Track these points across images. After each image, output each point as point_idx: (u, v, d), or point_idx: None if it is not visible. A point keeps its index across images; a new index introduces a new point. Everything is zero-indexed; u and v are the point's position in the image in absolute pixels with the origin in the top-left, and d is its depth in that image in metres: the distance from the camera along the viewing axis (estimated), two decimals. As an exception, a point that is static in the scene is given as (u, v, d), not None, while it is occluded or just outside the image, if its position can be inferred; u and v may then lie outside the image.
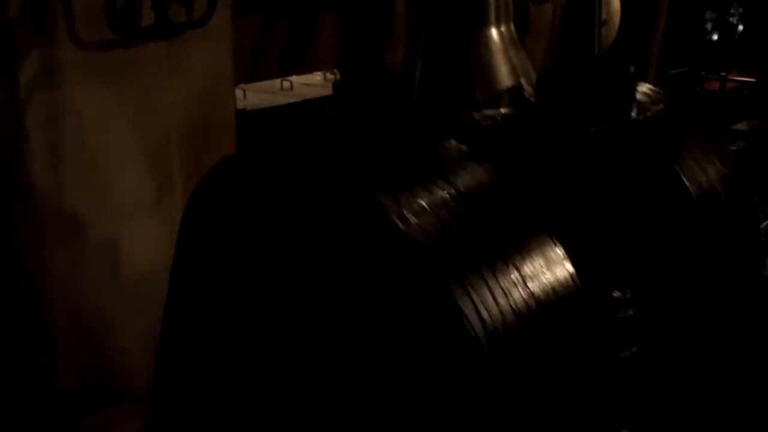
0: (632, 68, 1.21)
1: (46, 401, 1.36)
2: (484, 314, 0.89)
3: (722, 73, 3.71)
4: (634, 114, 1.20)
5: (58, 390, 1.38)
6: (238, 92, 2.46)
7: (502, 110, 1.16)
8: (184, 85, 2.03)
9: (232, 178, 1.13)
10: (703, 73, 3.79)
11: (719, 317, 1.25)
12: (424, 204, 0.95)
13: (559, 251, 0.98)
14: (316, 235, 1.02)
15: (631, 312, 1.13)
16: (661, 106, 1.25)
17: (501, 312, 0.90)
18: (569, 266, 0.98)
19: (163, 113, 1.97)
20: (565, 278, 0.97)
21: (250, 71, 2.56)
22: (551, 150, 1.15)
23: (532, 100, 1.19)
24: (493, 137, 1.13)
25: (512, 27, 1.22)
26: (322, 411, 1.05)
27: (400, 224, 0.91)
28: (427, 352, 0.92)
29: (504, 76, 1.19)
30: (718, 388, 1.24)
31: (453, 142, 1.08)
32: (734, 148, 3.04)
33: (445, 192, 0.98)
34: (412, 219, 0.92)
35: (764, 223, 1.91)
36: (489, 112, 1.15)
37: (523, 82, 1.20)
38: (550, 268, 0.96)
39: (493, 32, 1.19)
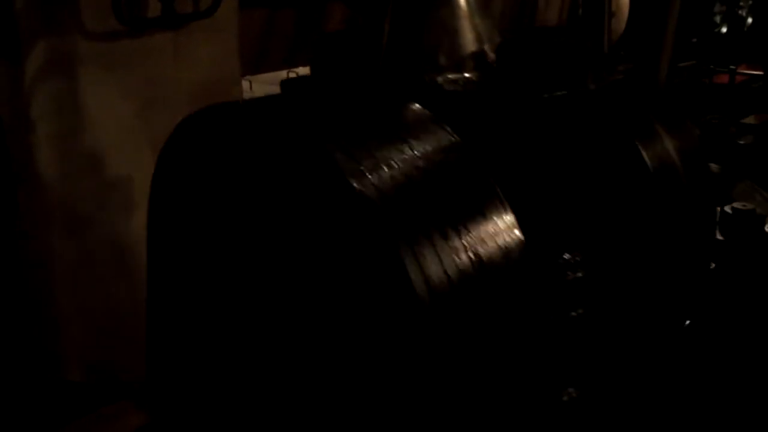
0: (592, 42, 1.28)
1: (52, 393, 1.37)
2: (430, 273, 0.91)
3: (731, 67, 3.69)
4: (592, 85, 1.23)
5: (64, 382, 1.39)
6: (245, 83, 2.45)
7: (466, 75, 1.19)
8: (190, 76, 2.02)
9: (195, 136, 1.16)
10: (711, 66, 3.76)
11: (668, 283, 1.28)
12: (380, 163, 0.96)
13: (509, 218, 1.01)
14: (276, 193, 1.04)
15: (579, 274, 1.16)
16: (618, 76, 1.28)
17: (446, 273, 0.93)
18: (518, 233, 1.01)
19: (169, 104, 1.97)
20: (514, 244, 1.00)
21: (257, 62, 2.55)
22: (508, 114, 1.17)
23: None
24: (455, 101, 1.15)
25: None
26: (281, 362, 1.08)
27: (353, 181, 0.93)
28: (373, 308, 0.94)
29: (468, 42, 1.21)
30: (666, 350, 1.27)
31: (415, 106, 1.09)
32: (743, 142, 3.02)
33: (403, 153, 0.99)
34: (366, 176, 0.94)
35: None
36: (452, 76, 1.18)
37: (487, 48, 1.23)
38: (498, 234, 0.99)
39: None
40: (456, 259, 0.94)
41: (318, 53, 1.37)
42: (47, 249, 1.86)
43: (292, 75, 2.67)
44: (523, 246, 1.00)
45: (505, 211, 1.01)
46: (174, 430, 1.25)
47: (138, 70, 1.92)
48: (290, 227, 1.03)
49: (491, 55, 1.23)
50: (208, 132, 1.14)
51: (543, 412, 1.07)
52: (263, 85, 2.66)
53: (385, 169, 0.96)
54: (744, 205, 2.25)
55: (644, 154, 1.25)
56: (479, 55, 1.21)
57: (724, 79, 3.73)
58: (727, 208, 2.27)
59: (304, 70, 2.74)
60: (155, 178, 1.24)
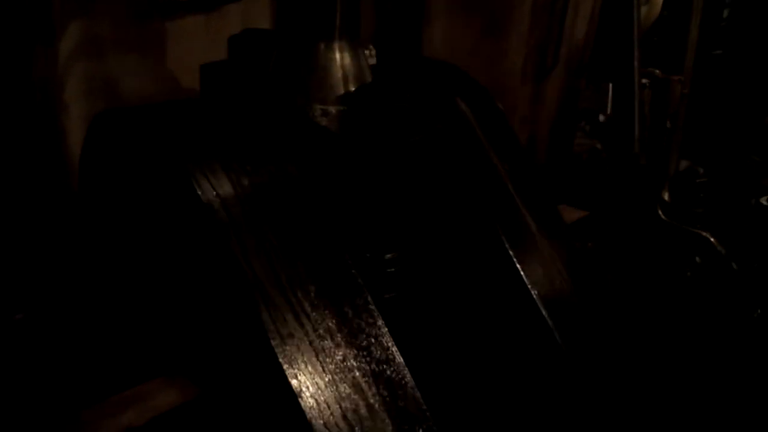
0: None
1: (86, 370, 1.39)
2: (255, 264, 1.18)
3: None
4: (415, 137, 1.58)
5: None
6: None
7: (331, 108, 1.53)
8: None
9: (99, 131, 1.47)
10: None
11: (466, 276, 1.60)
12: (227, 177, 1.25)
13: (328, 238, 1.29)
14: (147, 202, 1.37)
15: (394, 269, 1.53)
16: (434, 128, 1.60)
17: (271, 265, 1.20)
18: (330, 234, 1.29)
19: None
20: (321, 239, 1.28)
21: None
22: (349, 147, 1.52)
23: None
24: (317, 128, 1.52)
25: (355, 41, 1.58)
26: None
27: (199, 190, 1.21)
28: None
29: (336, 81, 1.55)
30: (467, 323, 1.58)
31: (277, 131, 1.40)
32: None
33: (250, 170, 1.28)
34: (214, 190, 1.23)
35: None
36: (319, 107, 1.53)
37: (352, 87, 1.57)
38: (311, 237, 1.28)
39: (335, 45, 1.55)
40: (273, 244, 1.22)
41: (235, 46, 1.67)
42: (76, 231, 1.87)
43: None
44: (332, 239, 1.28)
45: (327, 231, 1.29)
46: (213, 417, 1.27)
47: (170, 53, 1.91)
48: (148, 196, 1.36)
49: (359, 94, 1.56)
50: (106, 134, 1.45)
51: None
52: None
53: (233, 183, 1.25)
54: (778, 196, 2.19)
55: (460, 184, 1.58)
56: (344, 95, 1.55)
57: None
58: (764, 200, 2.22)
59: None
60: (80, 159, 1.55)
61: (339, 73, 1.55)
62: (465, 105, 1.66)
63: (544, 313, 1.47)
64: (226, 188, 1.23)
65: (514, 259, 1.51)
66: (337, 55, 1.55)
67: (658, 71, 2.59)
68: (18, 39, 1.69)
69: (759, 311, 1.71)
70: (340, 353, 1.17)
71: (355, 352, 1.19)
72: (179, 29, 1.92)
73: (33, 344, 1.53)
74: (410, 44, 2.54)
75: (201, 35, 1.96)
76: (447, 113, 1.64)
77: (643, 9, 2.99)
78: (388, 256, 1.52)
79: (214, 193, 1.22)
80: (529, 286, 1.49)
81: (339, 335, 1.19)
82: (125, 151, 1.41)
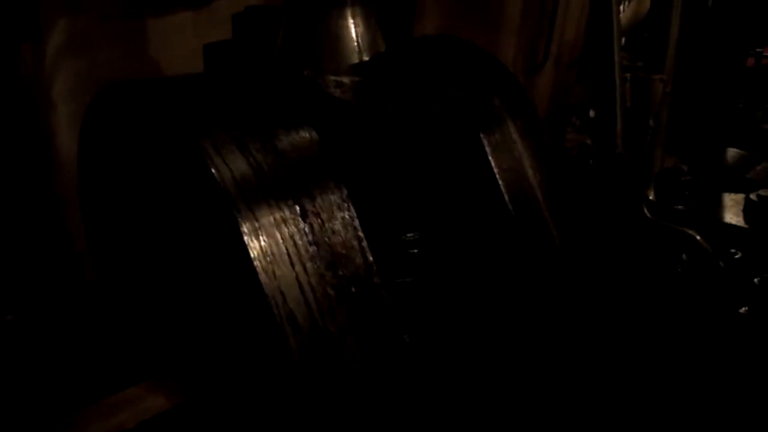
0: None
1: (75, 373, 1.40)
2: (264, 244, 1.11)
3: (758, 49, 3.61)
4: (435, 105, 1.45)
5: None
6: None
7: (344, 79, 1.41)
8: (211, 57, 2.00)
9: (103, 107, 1.39)
10: (738, 49, 3.68)
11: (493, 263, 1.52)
12: (236, 149, 1.17)
13: (349, 208, 1.21)
14: (153, 174, 1.27)
15: (415, 250, 1.43)
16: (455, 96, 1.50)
17: (283, 242, 1.13)
18: (351, 210, 1.21)
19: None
20: (346, 220, 1.21)
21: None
22: (367, 119, 1.40)
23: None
24: (330, 101, 1.39)
25: (369, 8, 1.47)
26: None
27: (211, 166, 1.13)
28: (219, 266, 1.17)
29: (350, 51, 1.44)
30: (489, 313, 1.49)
31: (287, 105, 1.29)
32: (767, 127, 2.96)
33: (258, 143, 1.19)
34: (223, 161, 1.14)
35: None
36: (332, 78, 1.41)
37: (366, 57, 1.46)
38: (333, 212, 1.20)
39: (348, 11, 1.43)
40: (295, 228, 1.15)
41: (239, 24, 1.59)
42: (64, 230, 1.87)
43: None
44: (356, 222, 1.21)
45: (345, 198, 1.21)
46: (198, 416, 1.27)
47: (158, 49, 1.90)
48: (163, 197, 1.28)
49: (373, 64, 1.45)
50: (109, 109, 1.36)
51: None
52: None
53: (242, 156, 1.17)
54: (770, 192, 2.21)
55: (492, 161, 1.50)
56: (358, 64, 1.44)
57: (751, 62, 3.65)
58: (753, 196, 2.23)
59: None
60: (80, 135, 1.48)
61: (353, 42, 1.44)
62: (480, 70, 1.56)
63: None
64: (239, 164, 1.15)
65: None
66: (350, 22, 1.44)
67: (640, 63, 2.60)
68: (4, 37, 1.67)
69: (745, 309, 1.73)
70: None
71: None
72: (168, 25, 1.91)
73: (24, 346, 1.53)
74: (402, 36, 2.53)
75: (189, 31, 1.94)
76: (464, 82, 1.53)
77: (633, 4, 3.00)
78: (410, 235, 1.42)
79: (228, 169, 1.14)
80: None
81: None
82: (133, 126, 1.31)
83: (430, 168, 1.48)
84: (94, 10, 1.79)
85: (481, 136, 1.51)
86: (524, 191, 1.53)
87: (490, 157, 1.50)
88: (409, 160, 1.45)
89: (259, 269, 1.09)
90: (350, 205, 1.21)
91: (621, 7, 2.49)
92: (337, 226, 1.19)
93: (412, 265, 1.43)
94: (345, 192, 1.21)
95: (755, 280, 1.78)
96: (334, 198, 1.20)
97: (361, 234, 1.20)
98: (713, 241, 1.92)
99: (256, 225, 1.11)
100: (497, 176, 1.49)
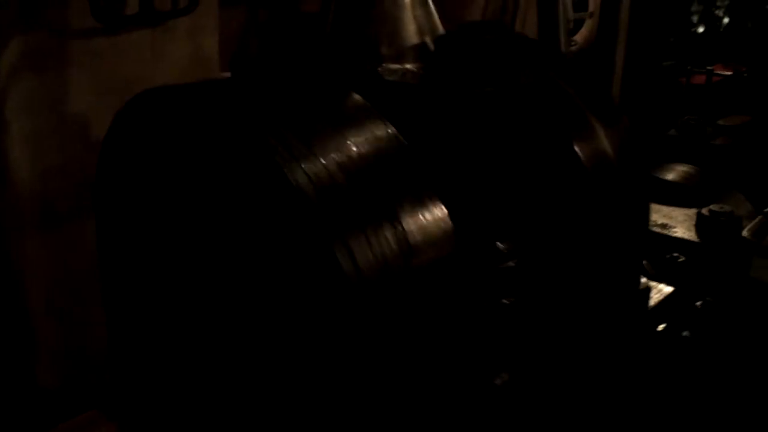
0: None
1: (24, 401, 1.34)
2: (360, 262, 0.94)
3: (708, 67, 3.72)
4: (523, 79, 1.27)
5: (37, 389, 1.36)
6: (224, 81, 2.42)
7: (406, 65, 1.22)
8: (169, 75, 1.99)
9: (136, 121, 1.18)
10: (689, 67, 3.79)
11: (598, 275, 1.32)
12: (316, 154, 0.99)
13: (440, 210, 1.04)
14: (215, 182, 1.06)
15: (511, 263, 1.20)
16: (549, 72, 1.32)
17: (378, 261, 0.96)
18: (449, 222, 1.04)
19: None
20: (444, 234, 1.04)
21: (239, 59, 2.52)
22: (445, 107, 1.21)
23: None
24: (394, 91, 1.18)
25: None
26: (231, 354, 1.11)
27: (289, 172, 0.95)
28: (305, 296, 0.97)
29: (409, 33, 1.25)
30: (593, 339, 1.32)
31: (355, 96, 1.11)
32: (719, 142, 3.05)
33: (340, 144, 1.02)
34: (302, 167, 0.97)
35: (754, 221, 1.94)
36: (393, 66, 1.21)
37: (428, 39, 1.26)
38: (429, 224, 1.03)
39: None
40: (386, 246, 0.97)
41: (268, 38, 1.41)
42: (21, 250, 1.83)
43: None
44: (453, 236, 1.04)
45: (436, 202, 1.04)
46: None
47: (115, 68, 1.88)
48: (229, 216, 1.04)
49: (432, 47, 1.26)
50: (149, 117, 1.14)
51: (475, 396, 1.10)
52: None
53: (322, 160, 0.98)
54: (721, 207, 2.27)
55: (577, 147, 1.28)
56: (420, 47, 1.24)
57: (702, 79, 3.76)
58: (704, 211, 2.29)
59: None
60: (99, 166, 1.26)
61: (412, 25, 1.26)
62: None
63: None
64: (314, 166, 0.97)
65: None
66: (408, 2, 1.25)
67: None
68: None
69: (687, 332, 1.73)
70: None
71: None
72: (125, 44, 1.89)
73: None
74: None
75: (147, 50, 1.93)
76: (531, 66, 1.35)
77: (588, 23, 3.07)
78: (501, 246, 1.22)
79: (304, 173, 0.96)
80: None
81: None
82: (187, 131, 1.10)
83: (518, 160, 1.29)
84: (48, 27, 1.77)
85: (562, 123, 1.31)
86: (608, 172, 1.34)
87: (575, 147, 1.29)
88: (500, 151, 1.26)
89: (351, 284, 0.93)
90: (442, 207, 1.04)
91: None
92: (431, 233, 1.02)
93: (510, 282, 1.21)
94: (433, 192, 1.04)
95: (697, 303, 1.80)
96: (423, 200, 1.04)
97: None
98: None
99: (346, 236, 0.95)
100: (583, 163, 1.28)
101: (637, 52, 3.31)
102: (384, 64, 1.21)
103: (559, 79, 1.35)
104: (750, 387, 1.69)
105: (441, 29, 1.29)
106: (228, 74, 2.41)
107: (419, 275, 1.00)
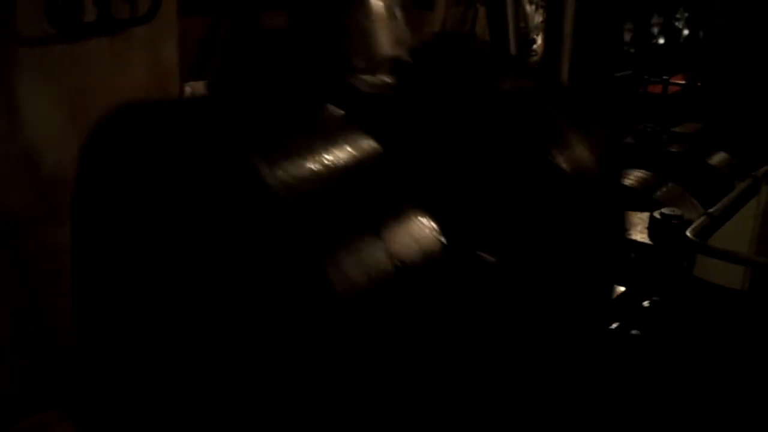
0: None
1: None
2: (351, 278, 0.93)
3: (664, 77, 3.82)
4: (504, 90, 1.27)
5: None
6: (187, 90, 2.43)
7: (382, 77, 1.21)
8: (128, 83, 2.00)
9: (114, 136, 1.16)
10: (646, 77, 3.88)
11: (581, 284, 1.32)
12: (299, 168, 0.98)
13: (426, 222, 1.04)
14: (196, 197, 1.04)
15: (496, 275, 1.19)
16: (529, 82, 1.32)
17: (368, 277, 0.94)
18: (438, 237, 1.04)
19: (105, 111, 1.94)
20: (436, 248, 1.03)
21: (199, 69, 2.54)
22: (423, 117, 1.19)
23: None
24: (371, 103, 1.17)
25: None
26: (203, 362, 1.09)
27: (274, 186, 0.93)
28: (294, 308, 0.95)
29: (383, 46, 1.24)
30: (578, 349, 1.32)
31: (332, 109, 1.11)
32: (674, 149, 3.13)
33: (322, 159, 1.01)
34: (286, 181, 0.95)
35: (698, 222, 1.99)
36: (368, 78, 1.20)
37: (401, 51, 1.26)
38: (417, 236, 1.02)
39: (374, 2, 1.23)
40: (374, 260, 0.96)
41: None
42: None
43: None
44: (442, 248, 1.03)
45: (422, 216, 1.04)
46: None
47: (73, 76, 1.89)
48: (210, 230, 1.03)
49: (406, 59, 1.26)
50: (127, 132, 1.14)
51: (465, 408, 1.11)
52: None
53: (306, 174, 0.98)
54: (672, 210, 2.34)
55: (557, 155, 1.28)
56: (393, 59, 1.24)
57: (659, 89, 3.86)
58: (657, 214, 2.35)
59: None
60: (77, 179, 1.25)
61: (384, 37, 1.25)
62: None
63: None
64: (298, 177, 0.97)
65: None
66: (379, 14, 1.24)
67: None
68: None
69: (636, 331, 1.76)
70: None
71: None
72: (83, 52, 1.90)
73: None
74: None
75: (105, 58, 1.94)
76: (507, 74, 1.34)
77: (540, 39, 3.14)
78: (485, 258, 1.20)
79: (288, 187, 0.95)
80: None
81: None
82: (167, 146, 1.09)
83: (497, 170, 1.26)
84: (7, 34, 1.77)
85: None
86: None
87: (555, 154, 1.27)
88: (479, 162, 1.24)
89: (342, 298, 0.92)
90: (429, 218, 1.03)
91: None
92: (419, 243, 1.01)
93: (496, 296, 1.20)
94: (418, 204, 1.04)
95: (644, 303, 1.83)
96: (408, 212, 1.03)
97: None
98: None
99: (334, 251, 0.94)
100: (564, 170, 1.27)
101: (586, 63, 3.40)
102: (358, 76, 1.21)
103: (537, 89, 1.36)
104: (696, 382, 1.73)
105: (410, 41, 1.30)
106: (188, 84, 2.44)
107: (408, 288, 0.99)
